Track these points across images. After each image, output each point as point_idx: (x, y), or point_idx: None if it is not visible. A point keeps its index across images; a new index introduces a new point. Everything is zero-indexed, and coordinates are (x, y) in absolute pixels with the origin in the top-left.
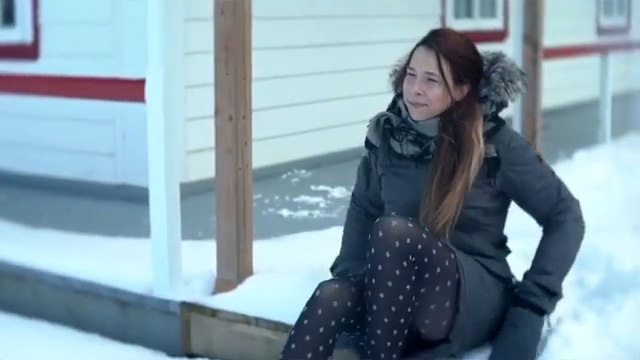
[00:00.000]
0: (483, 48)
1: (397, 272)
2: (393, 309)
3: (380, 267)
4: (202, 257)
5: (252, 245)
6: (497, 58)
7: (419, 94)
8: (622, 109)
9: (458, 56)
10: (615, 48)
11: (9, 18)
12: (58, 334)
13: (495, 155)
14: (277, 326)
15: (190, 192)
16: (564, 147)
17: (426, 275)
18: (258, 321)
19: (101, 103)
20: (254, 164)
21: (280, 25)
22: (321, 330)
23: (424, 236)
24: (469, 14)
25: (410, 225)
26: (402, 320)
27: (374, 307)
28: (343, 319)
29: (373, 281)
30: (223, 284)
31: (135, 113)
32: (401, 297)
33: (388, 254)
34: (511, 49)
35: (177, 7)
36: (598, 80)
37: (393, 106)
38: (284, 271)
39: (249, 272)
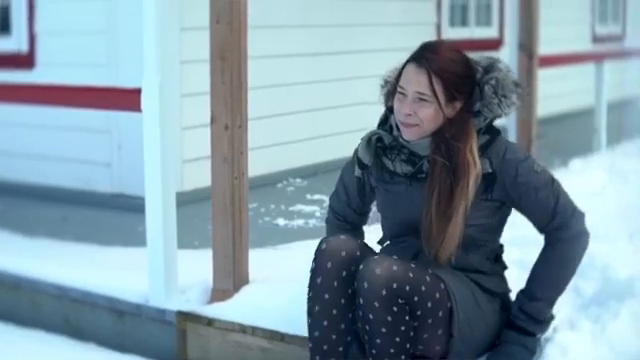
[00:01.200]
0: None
1: (389, 318)
2: (392, 351)
3: (371, 316)
4: (198, 266)
5: (248, 254)
6: (492, 65)
7: (410, 115)
8: (617, 117)
9: (450, 73)
10: (610, 56)
11: (5, 27)
12: (55, 343)
13: (490, 171)
14: (273, 335)
15: (186, 201)
16: (559, 155)
17: (418, 312)
18: (254, 330)
19: (97, 112)
20: (250, 173)
21: (276, 34)
22: (335, 284)
23: (411, 275)
24: (464, 23)
25: (395, 267)
26: (403, 357)
27: (373, 351)
28: (353, 267)
29: (367, 328)
30: (219, 293)
31: (131, 122)
32: (398, 339)
33: (377, 304)
34: (507, 57)
35: (173, 16)
36: (593, 88)
37: (385, 121)
38: (280, 280)
39: (245, 281)
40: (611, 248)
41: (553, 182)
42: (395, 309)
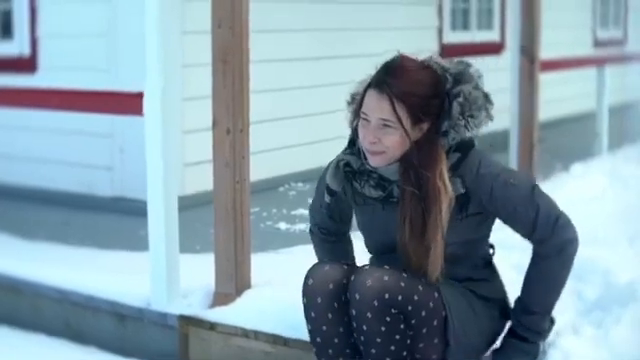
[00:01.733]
0: (478, 61)
1: (383, 328)
2: (388, 359)
3: (365, 327)
4: (200, 270)
5: (250, 258)
6: (462, 73)
7: (374, 142)
8: (619, 121)
9: (415, 97)
10: (612, 60)
11: (7, 31)
12: (56, 347)
13: (463, 191)
14: (275, 339)
15: (188, 205)
16: (561, 159)
17: (412, 321)
18: (256, 334)
19: (99, 116)
20: (251, 177)
21: (277, 38)
22: (330, 316)
23: (402, 284)
24: (466, 26)
25: (386, 278)
26: None
27: None
28: (343, 297)
29: (362, 338)
30: (221, 297)
31: (133, 126)
32: (393, 347)
33: (369, 315)
34: (508, 61)
35: (174, 20)
36: (594, 92)
37: (353, 144)
38: (282, 284)
39: (247, 285)
40: (612, 253)
41: (532, 193)
42: (388, 319)
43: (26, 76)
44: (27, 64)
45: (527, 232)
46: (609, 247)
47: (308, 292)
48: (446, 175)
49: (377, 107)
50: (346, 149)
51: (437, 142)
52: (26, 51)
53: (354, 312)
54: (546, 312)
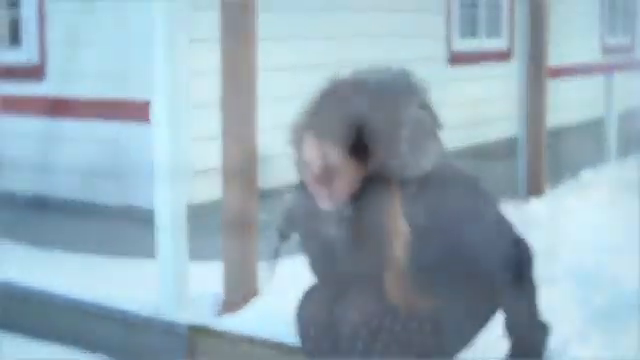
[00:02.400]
0: (486, 68)
1: (375, 352)
2: None
3: (357, 356)
4: (208, 278)
5: (258, 266)
6: (404, 91)
7: (321, 188)
8: (627, 128)
9: (355, 134)
10: (620, 67)
11: (15, 39)
12: (65, 355)
13: (425, 224)
14: (283, 347)
15: (196, 212)
16: (569, 167)
17: (404, 337)
18: (264, 342)
19: (107, 123)
20: (259, 184)
21: (285, 45)
22: (324, 345)
23: (386, 305)
24: (474, 34)
25: (369, 307)
26: None
27: None
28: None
29: None
30: (229, 305)
31: (141, 134)
32: None
33: (360, 345)
34: (516, 69)
35: (183, 28)
36: (603, 99)
37: (302, 185)
38: (290, 292)
39: (255, 293)
40: (621, 260)
41: (491, 224)
42: (379, 345)
43: (34, 83)
44: (35, 71)
45: None
46: (617, 255)
47: (300, 324)
48: (398, 211)
49: (314, 154)
50: (295, 190)
51: (389, 177)
52: (34, 58)
53: (345, 344)
54: (534, 325)
